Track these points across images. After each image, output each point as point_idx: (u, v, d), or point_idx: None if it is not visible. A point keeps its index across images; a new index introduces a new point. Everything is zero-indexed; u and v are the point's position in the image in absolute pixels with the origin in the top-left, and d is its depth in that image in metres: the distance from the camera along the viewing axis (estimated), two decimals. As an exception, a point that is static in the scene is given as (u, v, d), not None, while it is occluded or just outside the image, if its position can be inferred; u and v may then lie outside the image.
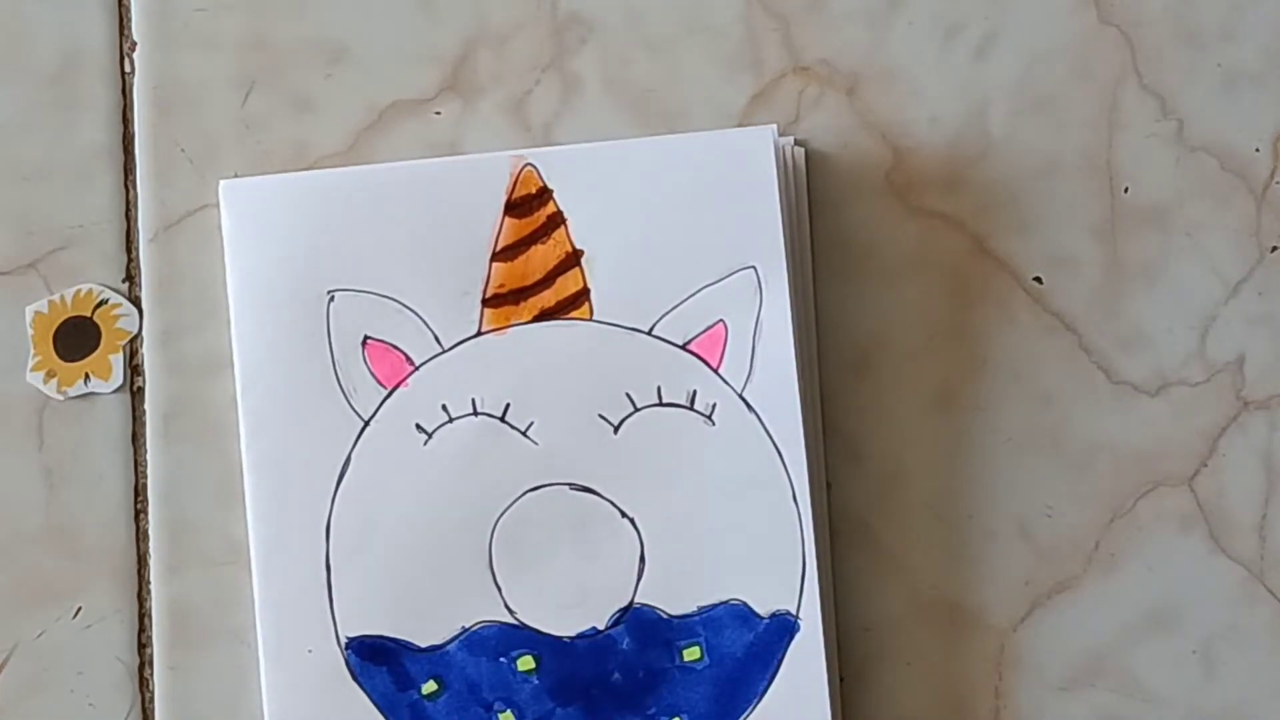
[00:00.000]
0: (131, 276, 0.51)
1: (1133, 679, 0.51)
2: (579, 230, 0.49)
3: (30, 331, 0.50)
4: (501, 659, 0.49)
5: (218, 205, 0.50)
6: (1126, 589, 0.51)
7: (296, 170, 0.50)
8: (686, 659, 0.48)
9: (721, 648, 0.48)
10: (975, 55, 0.51)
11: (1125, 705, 0.51)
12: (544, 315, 0.49)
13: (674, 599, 0.49)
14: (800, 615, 0.48)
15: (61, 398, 0.50)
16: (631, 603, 0.49)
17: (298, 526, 0.48)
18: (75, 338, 0.50)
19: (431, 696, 0.49)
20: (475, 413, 0.49)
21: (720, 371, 0.49)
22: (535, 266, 0.49)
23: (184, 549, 0.51)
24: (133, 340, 0.51)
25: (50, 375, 0.50)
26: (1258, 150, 0.51)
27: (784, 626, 0.48)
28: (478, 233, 0.49)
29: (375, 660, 0.48)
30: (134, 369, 0.51)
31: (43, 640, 0.51)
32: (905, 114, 0.51)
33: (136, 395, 0.51)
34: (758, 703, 0.48)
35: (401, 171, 0.49)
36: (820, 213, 0.51)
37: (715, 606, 0.48)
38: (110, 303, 0.51)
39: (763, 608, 0.48)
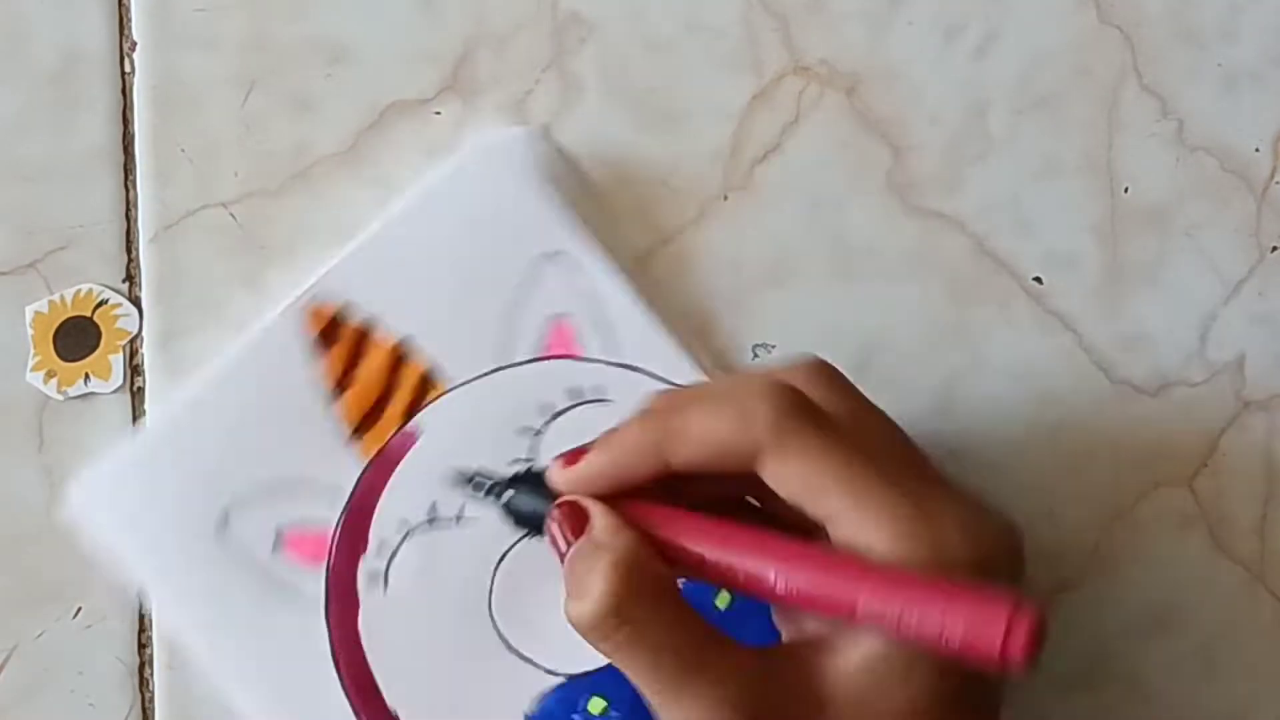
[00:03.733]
0: (131, 276, 0.51)
1: (1133, 679, 0.51)
2: (391, 322, 0.49)
3: (30, 331, 0.50)
4: (575, 715, 0.49)
5: (221, 206, 0.51)
6: (1126, 589, 0.51)
7: (295, 172, 0.51)
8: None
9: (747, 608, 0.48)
10: (975, 55, 0.51)
11: (1125, 705, 0.51)
12: (410, 411, 0.49)
13: None
14: None
15: (61, 398, 0.50)
16: None
17: None
18: (75, 338, 0.50)
19: None
20: (407, 535, 0.49)
21: (589, 355, 0.49)
22: (374, 378, 0.49)
23: (184, 549, 0.51)
24: (133, 340, 0.51)
25: (50, 375, 0.50)
26: (1258, 150, 0.51)
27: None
28: (307, 387, 0.49)
29: None
30: (134, 369, 0.51)
31: (43, 640, 0.51)
32: (905, 114, 0.51)
33: (136, 395, 0.51)
34: None
35: (212, 386, 0.49)
36: (820, 212, 0.51)
37: None
38: (110, 303, 0.51)
39: None
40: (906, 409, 0.50)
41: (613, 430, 0.43)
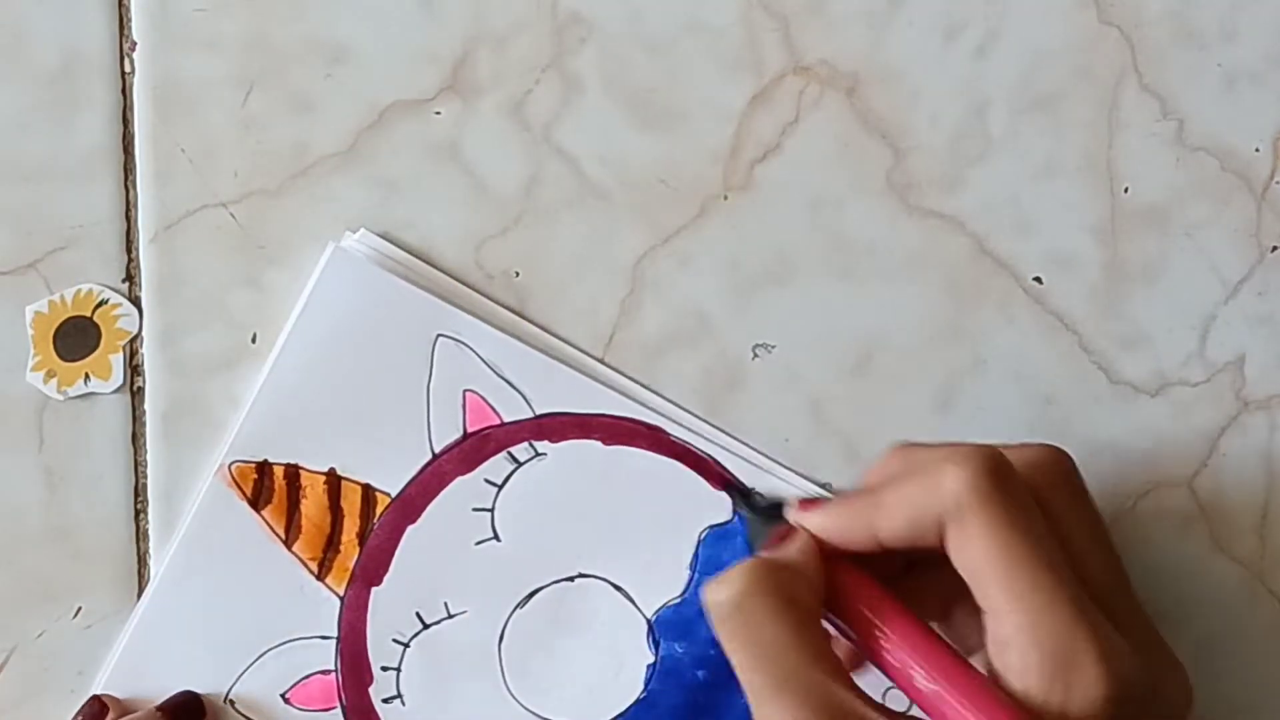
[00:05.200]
0: (131, 276, 0.51)
1: (1133, 679, 0.51)
2: (313, 461, 0.50)
3: (30, 331, 0.50)
4: None
5: (221, 206, 0.51)
6: (1126, 589, 0.51)
7: (295, 172, 0.51)
8: None
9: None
10: (975, 55, 0.51)
11: (1125, 705, 0.51)
12: (363, 529, 0.50)
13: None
14: None
15: (61, 398, 0.50)
16: (654, 633, 0.49)
17: None
18: (75, 338, 0.50)
19: None
20: (405, 648, 0.49)
21: (507, 422, 0.50)
22: (319, 514, 0.50)
23: (184, 549, 0.51)
24: (133, 340, 0.51)
25: (50, 375, 0.50)
26: (1258, 150, 0.51)
27: None
28: (260, 546, 0.50)
29: None
30: (134, 369, 0.51)
31: (43, 640, 0.51)
32: (905, 114, 0.51)
33: (136, 395, 0.51)
34: None
35: (172, 577, 0.50)
36: (820, 212, 0.51)
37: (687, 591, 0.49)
38: (110, 303, 0.51)
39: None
40: (907, 409, 0.51)
41: (846, 496, 0.44)
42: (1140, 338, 0.51)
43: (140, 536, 0.51)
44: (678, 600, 0.50)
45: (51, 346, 0.50)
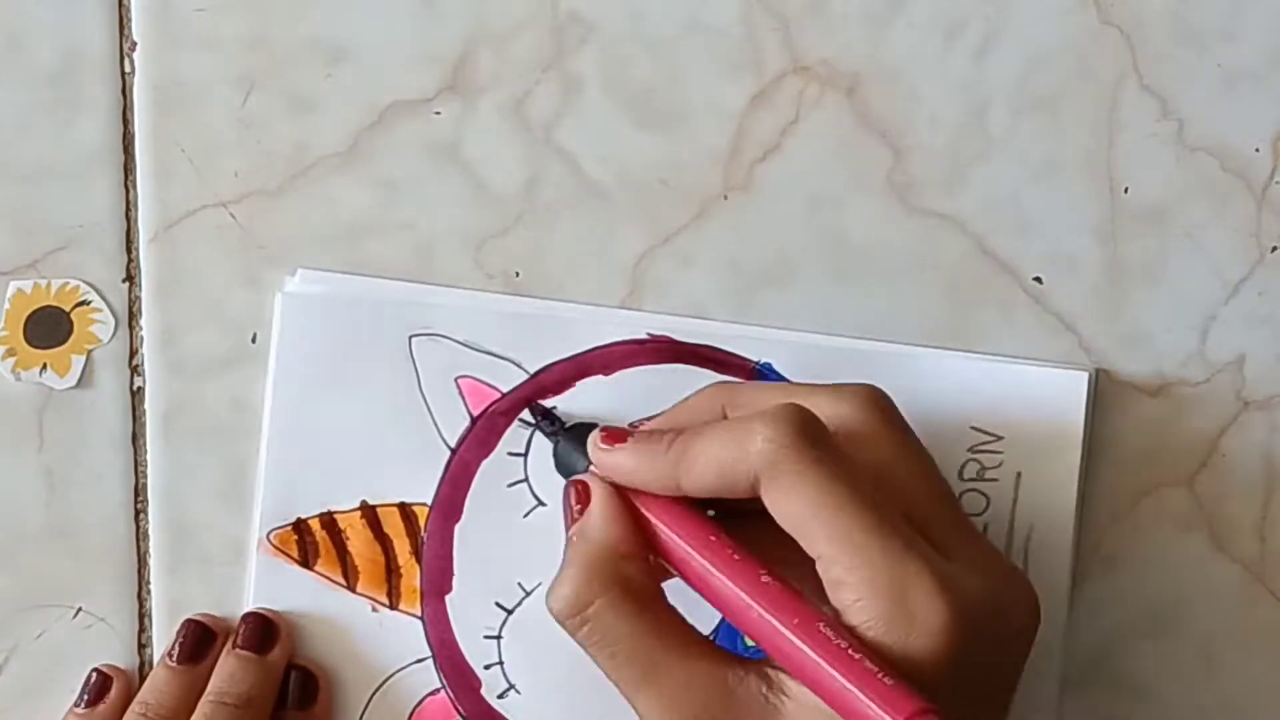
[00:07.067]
0: (131, 276, 0.51)
1: (1132, 679, 0.51)
2: (341, 501, 0.50)
3: (6, 306, 0.50)
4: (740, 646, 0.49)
5: (221, 206, 0.51)
6: (1126, 589, 0.50)
7: (295, 172, 0.51)
8: None
9: None
10: (975, 55, 0.51)
11: (1125, 705, 0.51)
12: (415, 545, 0.50)
13: None
14: None
15: (14, 378, 0.50)
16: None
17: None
18: (46, 326, 0.50)
19: None
20: (499, 641, 0.50)
21: (507, 392, 0.50)
22: (368, 548, 0.50)
23: (184, 549, 0.51)
24: (104, 347, 0.50)
25: (10, 354, 0.50)
26: (1258, 150, 0.51)
27: None
28: (338, 604, 0.50)
29: None
30: (134, 369, 0.51)
31: (43, 640, 0.51)
32: (905, 114, 0.51)
33: (136, 395, 0.51)
34: None
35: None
36: (820, 212, 0.51)
37: None
38: (92, 305, 0.50)
39: None
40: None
41: (652, 431, 0.44)
42: (1140, 338, 0.51)
43: (140, 536, 0.51)
44: None
45: (21, 327, 0.50)
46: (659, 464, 0.43)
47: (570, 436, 0.47)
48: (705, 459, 0.42)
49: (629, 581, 0.42)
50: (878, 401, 0.44)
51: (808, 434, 0.41)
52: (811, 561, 0.41)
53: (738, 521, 0.43)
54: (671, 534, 0.43)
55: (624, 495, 0.44)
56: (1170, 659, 0.51)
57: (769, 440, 0.41)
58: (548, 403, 0.50)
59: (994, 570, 0.43)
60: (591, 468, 0.45)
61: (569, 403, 0.50)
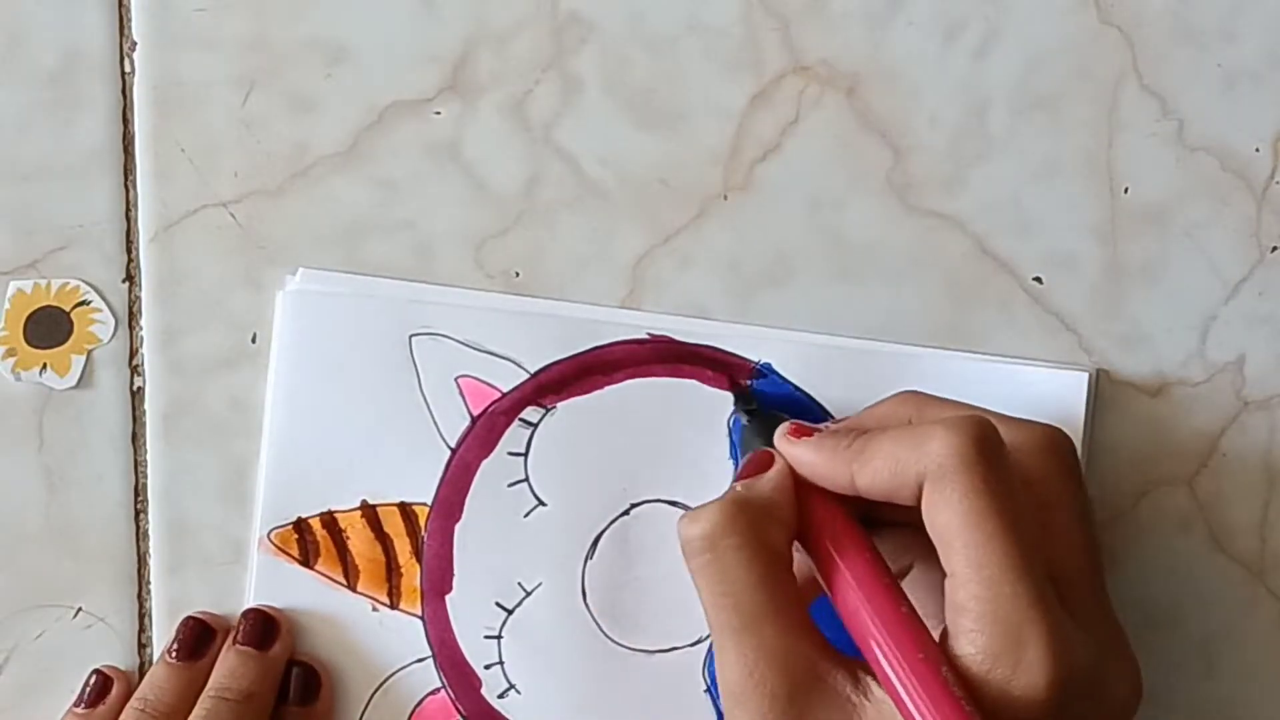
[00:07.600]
0: (131, 276, 0.51)
1: (1133, 679, 0.51)
2: (341, 500, 0.50)
3: (6, 306, 0.50)
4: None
5: (221, 206, 0.51)
6: (1126, 589, 0.50)
7: (295, 172, 0.51)
8: None
9: None
10: (975, 55, 0.51)
11: (1125, 705, 0.51)
12: (416, 545, 0.50)
13: None
14: None
15: (14, 378, 0.50)
16: None
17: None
18: (46, 326, 0.50)
19: None
20: (499, 640, 0.50)
21: (507, 391, 0.50)
22: (368, 547, 0.50)
23: (184, 549, 0.51)
24: (104, 347, 0.51)
25: (10, 354, 0.50)
26: (1258, 150, 0.51)
27: None
28: (338, 603, 0.50)
29: None
30: (134, 369, 0.51)
31: (43, 640, 0.51)
32: (905, 114, 0.51)
33: (136, 395, 0.51)
34: None
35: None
36: (820, 212, 0.51)
37: None
38: (92, 305, 0.50)
39: None
40: (906, 409, 0.50)
41: (837, 429, 0.44)
42: (1140, 338, 0.51)
43: (140, 536, 0.51)
44: None
45: (21, 327, 0.50)
46: (838, 458, 0.43)
47: (758, 421, 0.48)
48: (882, 456, 0.42)
49: (769, 542, 0.42)
50: (1060, 446, 0.44)
51: (984, 449, 0.41)
52: (937, 576, 0.41)
53: (879, 528, 0.44)
54: (827, 539, 0.43)
55: (799, 486, 0.44)
56: (1170, 659, 0.51)
57: (946, 444, 0.41)
58: (548, 403, 0.50)
59: (1113, 643, 0.43)
60: None
61: (568, 404, 0.50)
